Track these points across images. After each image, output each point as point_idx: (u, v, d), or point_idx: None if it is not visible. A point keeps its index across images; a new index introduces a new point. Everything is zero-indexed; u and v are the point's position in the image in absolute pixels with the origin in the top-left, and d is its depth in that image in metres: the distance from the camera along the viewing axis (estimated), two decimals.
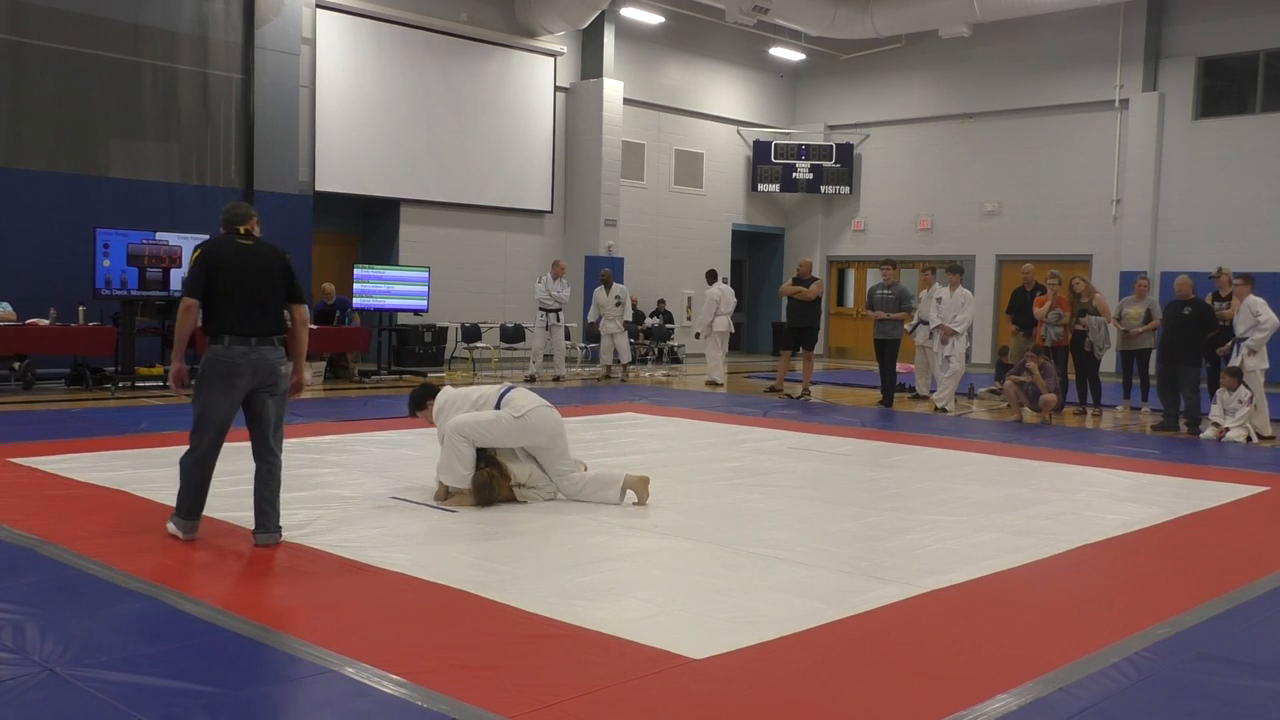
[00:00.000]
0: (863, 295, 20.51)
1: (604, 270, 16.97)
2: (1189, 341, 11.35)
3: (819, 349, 23.39)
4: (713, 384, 15.68)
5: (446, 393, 6.82)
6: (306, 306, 5.58)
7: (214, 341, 5.35)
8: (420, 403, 6.96)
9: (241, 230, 5.54)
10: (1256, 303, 11.06)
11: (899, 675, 3.84)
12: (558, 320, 16.01)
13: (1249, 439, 10.72)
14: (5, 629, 3.99)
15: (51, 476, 7.03)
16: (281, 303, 5.49)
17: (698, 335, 17.04)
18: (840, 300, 23.80)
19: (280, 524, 5.51)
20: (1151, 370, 13.38)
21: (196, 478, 5.43)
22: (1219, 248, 17.76)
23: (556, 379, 15.88)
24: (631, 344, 17.65)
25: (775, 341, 14.85)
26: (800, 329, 14.33)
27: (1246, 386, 10.88)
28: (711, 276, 16.45)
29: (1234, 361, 11.12)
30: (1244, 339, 11.07)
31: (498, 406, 6.57)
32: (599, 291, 16.44)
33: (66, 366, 12.74)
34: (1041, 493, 7.51)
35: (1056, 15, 19.02)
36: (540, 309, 15.93)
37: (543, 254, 19.56)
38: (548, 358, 16.11)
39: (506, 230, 19.04)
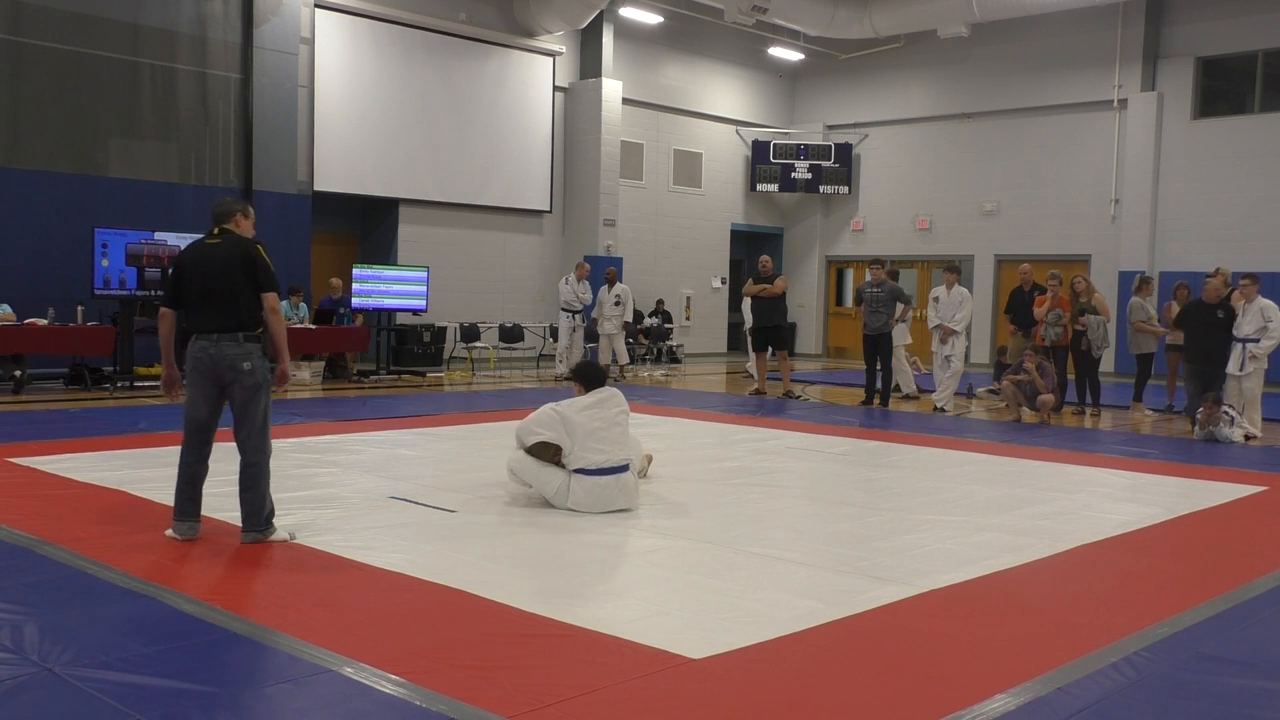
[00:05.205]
0: None
1: (609, 269, 17.02)
2: (1222, 343, 11.20)
3: (816, 348, 23.58)
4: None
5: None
6: (276, 295, 5.58)
7: (190, 341, 5.52)
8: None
9: (215, 230, 5.62)
10: (1269, 307, 10.94)
11: (898, 675, 3.84)
12: (582, 321, 16.06)
13: (1246, 438, 10.73)
14: (4, 629, 3.99)
15: (50, 476, 7.02)
16: (249, 297, 5.49)
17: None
18: (839, 300, 23.81)
19: (264, 522, 5.47)
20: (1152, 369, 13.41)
21: (181, 476, 5.53)
22: (1217, 247, 17.77)
23: None
24: (630, 344, 17.65)
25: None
26: (766, 329, 14.26)
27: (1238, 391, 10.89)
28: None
29: (1232, 364, 11.04)
30: (1248, 340, 11.00)
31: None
32: (603, 290, 16.47)
33: (65, 366, 12.73)
34: (1040, 492, 7.51)
35: (1055, 15, 19.03)
36: (566, 310, 15.96)
37: (542, 254, 19.58)
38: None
39: (505, 230, 19.04)
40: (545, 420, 6.41)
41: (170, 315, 5.58)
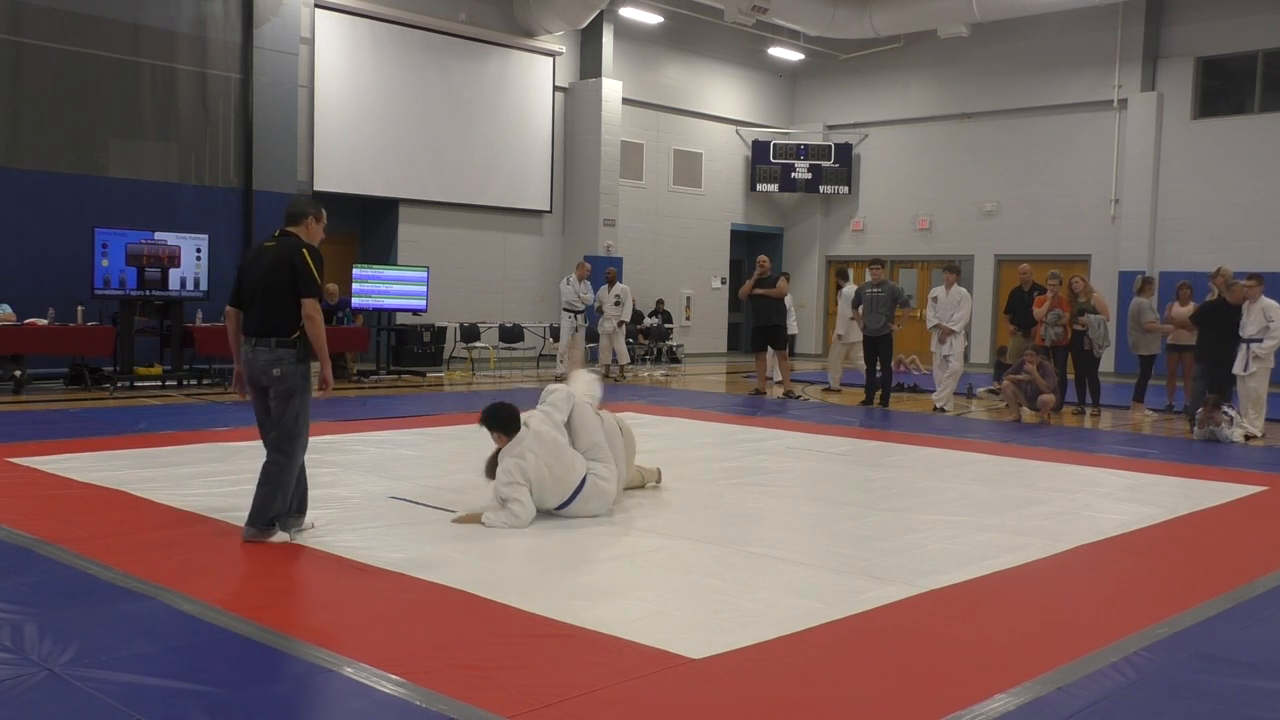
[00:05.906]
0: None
1: (609, 269, 17.05)
2: (1232, 344, 11.12)
3: (816, 348, 23.56)
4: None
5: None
6: (313, 300, 5.54)
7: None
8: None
9: (278, 232, 5.65)
10: (1270, 307, 10.89)
11: (897, 675, 3.84)
12: (584, 321, 16.11)
13: (1246, 438, 10.73)
14: (4, 629, 3.99)
15: (51, 476, 7.02)
16: (286, 302, 5.48)
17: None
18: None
19: (267, 523, 5.43)
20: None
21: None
22: (1217, 247, 17.76)
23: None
24: (630, 344, 17.66)
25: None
26: (764, 328, 14.28)
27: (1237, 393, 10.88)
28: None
29: (1238, 365, 11.03)
30: (1251, 340, 10.97)
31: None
32: (603, 289, 16.52)
33: (65, 366, 12.73)
34: (1040, 492, 7.51)
35: (1055, 15, 19.03)
36: (568, 310, 16.01)
37: (542, 254, 19.59)
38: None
39: (505, 230, 19.04)
40: (527, 499, 6.07)
41: (234, 314, 5.64)
